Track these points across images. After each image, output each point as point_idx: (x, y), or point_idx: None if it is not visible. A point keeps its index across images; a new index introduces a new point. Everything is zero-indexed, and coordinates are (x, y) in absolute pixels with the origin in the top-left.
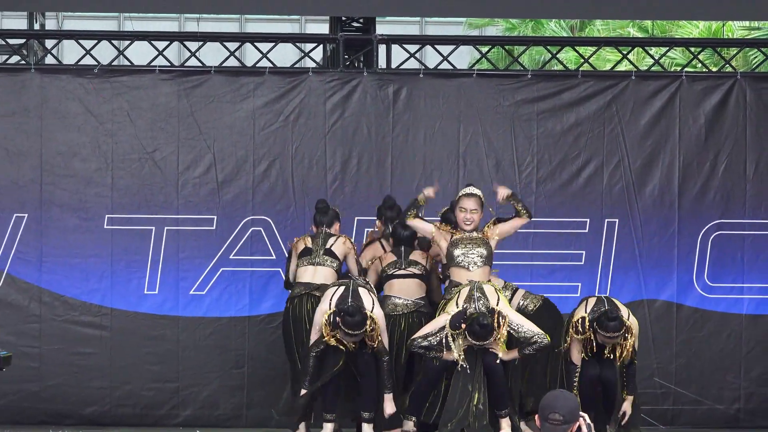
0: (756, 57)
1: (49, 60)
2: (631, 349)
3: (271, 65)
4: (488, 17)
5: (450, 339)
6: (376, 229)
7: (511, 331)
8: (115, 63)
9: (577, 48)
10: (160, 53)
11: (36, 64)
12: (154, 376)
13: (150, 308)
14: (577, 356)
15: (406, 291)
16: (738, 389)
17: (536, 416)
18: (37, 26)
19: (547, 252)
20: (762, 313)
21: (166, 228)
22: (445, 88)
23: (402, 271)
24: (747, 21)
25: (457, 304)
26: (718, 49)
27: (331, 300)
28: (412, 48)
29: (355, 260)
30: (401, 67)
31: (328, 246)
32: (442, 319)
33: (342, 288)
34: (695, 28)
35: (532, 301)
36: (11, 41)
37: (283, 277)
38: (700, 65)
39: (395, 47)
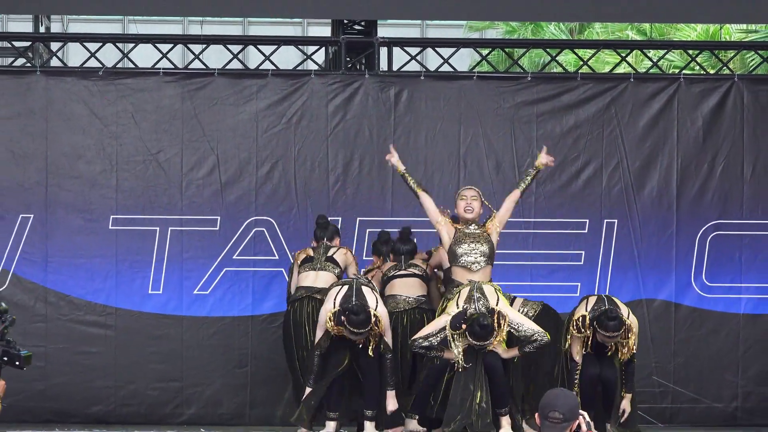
0: (753, 59)
1: (55, 62)
2: (632, 348)
3: (273, 68)
4: (488, 20)
5: (451, 339)
6: (374, 265)
7: (512, 330)
8: (119, 65)
9: (576, 50)
10: (164, 56)
11: (41, 67)
12: (159, 375)
13: (154, 308)
14: (577, 354)
15: (407, 289)
16: (736, 388)
17: (536, 415)
18: (42, 29)
19: (546, 252)
20: (760, 313)
21: (170, 228)
22: (446, 90)
23: (402, 271)
24: (744, 24)
25: (457, 304)
26: (715, 51)
27: (335, 299)
28: (413, 51)
29: (355, 271)
30: (402, 69)
31: (329, 254)
32: (443, 320)
33: (346, 287)
34: (693, 31)
35: (532, 307)
36: (17, 44)
37: (287, 278)
38: (697, 68)
39: (396, 50)
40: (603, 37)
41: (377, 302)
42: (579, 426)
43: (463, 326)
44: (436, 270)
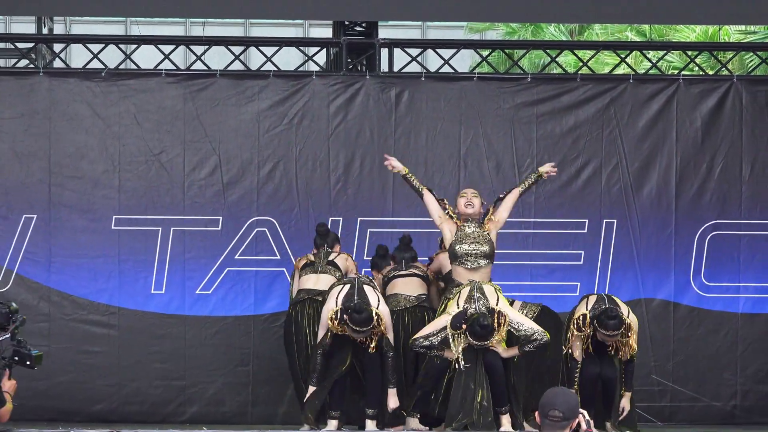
0: (752, 60)
1: (58, 63)
2: (634, 347)
3: (275, 69)
4: (489, 21)
5: (451, 339)
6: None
7: (512, 330)
8: (122, 66)
9: (576, 52)
10: (167, 57)
11: (44, 68)
12: (161, 374)
13: (157, 307)
14: (577, 352)
15: (408, 287)
16: (734, 386)
17: (536, 413)
18: (45, 30)
19: (546, 252)
20: (758, 312)
21: (172, 229)
22: (447, 91)
23: (403, 272)
24: (743, 25)
25: (457, 304)
26: (714, 52)
27: (337, 298)
28: (414, 52)
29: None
30: (403, 70)
31: (330, 259)
32: (443, 320)
33: (348, 286)
34: (692, 32)
35: (531, 309)
36: (20, 45)
37: (288, 279)
38: (696, 69)
39: (397, 51)
40: (602, 39)
41: (379, 301)
42: (579, 424)
43: (464, 326)
44: (436, 275)
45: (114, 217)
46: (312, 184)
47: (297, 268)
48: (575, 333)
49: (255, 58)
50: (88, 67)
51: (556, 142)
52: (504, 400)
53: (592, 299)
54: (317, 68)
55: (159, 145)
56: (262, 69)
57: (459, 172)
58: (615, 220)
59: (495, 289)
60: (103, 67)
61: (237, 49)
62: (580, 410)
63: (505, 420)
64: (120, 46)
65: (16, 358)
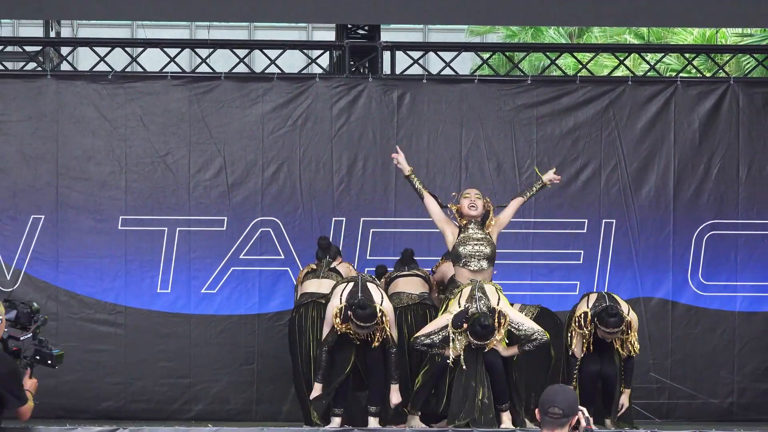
0: (748, 63)
1: (65, 66)
2: (635, 345)
3: (279, 71)
4: (489, 25)
5: (452, 338)
6: None
7: (512, 329)
8: (128, 69)
9: (575, 54)
10: (172, 60)
11: (52, 71)
12: (167, 372)
13: (163, 306)
14: (578, 350)
15: (410, 286)
16: (731, 384)
17: (536, 410)
18: (52, 34)
19: (546, 252)
20: (755, 311)
21: (178, 229)
22: (448, 93)
23: (405, 272)
24: (740, 28)
25: (459, 303)
26: (711, 55)
27: (341, 295)
28: (416, 54)
29: None
30: (405, 73)
31: (332, 266)
32: (445, 318)
33: (351, 284)
34: (690, 35)
35: (530, 311)
36: (28, 48)
37: (292, 278)
38: (694, 71)
39: (399, 54)
40: (601, 41)
41: (382, 297)
42: (578, 421)
43: (465, 325)
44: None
45: (120, 217)
46: (315, 184)
47: (300, 277)
48: (576, 331)
49: (259, 61)
50: (95, 69)
51: (556, 144)
52: (505, 397)
53: (593, 297)
54: (320, 71)
55: (165, 146)
56: (266, 72)
57: (460, 173)
58: (614, 220)
59: (496, 288)
60: (109, 69)
61: (241, 52)
62: (580, 407)
63: (506, 417)
64: (126, 49)
65: (38, 357)
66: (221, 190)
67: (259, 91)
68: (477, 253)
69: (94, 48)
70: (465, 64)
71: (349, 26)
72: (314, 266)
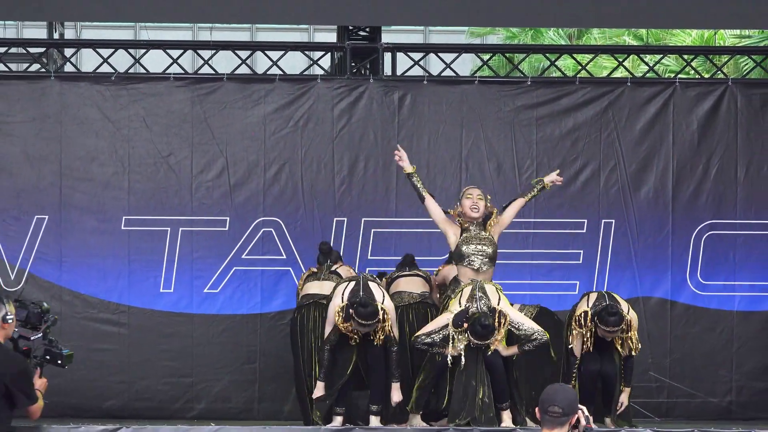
0: (746, 64)
1: (68, 68)
2: (636, 344)
3: (281, 73)
4: (489, 26)
5: (452, 337)
6: None
7: (512, 329)
8: (131, 71)
9: (574, 55)
10: (175, 61)
11: (55, 72)
12: (170, 371)
13: (166, 306)
14: (577, 349)
15: (411, 285)
16: (730, 383)
17: (536, 409)
18: (56, 35)
19: (546, 251)
20: (753, 310)
21: (180, 229)
22: (448, 94)
23: (406, 272)
24: (738, 29)
25: (459, 303)
26: (710, 56)
27: (343, 294)
28: (417, 56)
29: None
30: (406, 74)
31: (333, 269)
32: (445, 318)
33: (353, 283)
34: (688, 36)
35: (528, 311)
36: (32, 50)
37: (294, 279)
38: (692, 72)
39: (400, 55)
40: (601, 43)
41: (384, 296)
42: (578, 420)
43: (465, 325)
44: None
45: (124, 217)
46: (317, 185)
47: (302, 280)
48: (577, 330)
49: (261, 63)
50: (98, 71)
51: (556, 145)
52: (505, 396)
53: (593, 297)
54: (322, 72)
55: (167, 147)
56: (268, 73)
57: (461, 173)
58: (613, 221)
59: (496, 288)
60: (113, 71)
61: (244, 54)
62: (579, 406)
63: (506, 416)
64: (129, 50)
65: (48, 357)
66: (223, 191)
67: (261, 93)
68: (479, 253)
69: (98, 49)
70: (465, 65)
71: (351, 28)
72: (315, 269)
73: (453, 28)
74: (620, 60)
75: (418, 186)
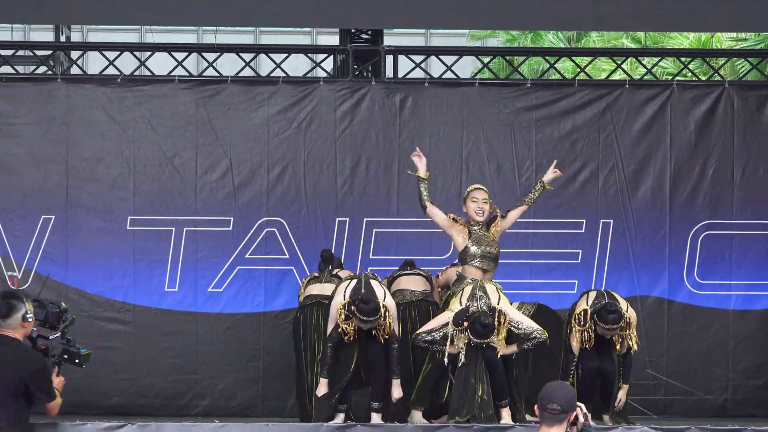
0: (743, 66)
1: (75, 70)
2: (635, 341)
3: (284, 75)
4: (490, 29)
5: (453, 335)
6: None
7: (512, 328)
8: (136, 73)
9: (573, 58)
10: (180, 64)
11: (62, 75)
12: (175, 369)
13: (170, 305)
14: (576, 346)
15: (412, 283)
16: (726, 380)
17: (535, 406)
18: (63, 38)
19: (545, 251)
20: (748, 309)
21: (185, 229)
22: (449, 96)
23: (408, 271)
24: (734, 32)
25: (460, 301)
26: (707, 59)
27: (345, 292)
28: (418, 58)
29: None
30: (407, 76)
31: (334, 272)
32: (446, 316)
33: (355, 281)
34: (685, 39)
35: (527, 309)
36: (39, 53)
37: (297, 278)
38: (690, 74)
39: (402, 58)
40: (599, 45)
41: (385, 294)
42: (576, 417)
43: (465, 323)
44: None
45: (129, 218)
46: (319, 186)
47: (303, 285)
48: (577, 328)
49: (265, 65)
50: (104, 73)
51: (555, 146)
52: (504, 393)
53: (592, 295)
54: (324, 74)
55: (172, 148)
56: (271, 75)
57: (461, 174)
58: (611, 221)
59: (496, 288)
60: (118, 73)
61: (247, 56)
62: (578, 403)
63: (506, 413)
64: (135, 53)
65: (66, 357)
66: (227, 191)
67: (264, 95)
68: (488, 255)
69: (104, 52)
70: (466, 67)
71: (353, 31)
72: (317, 274)
73: (454, 31)
74: (618, 62)
75: (424, 194)
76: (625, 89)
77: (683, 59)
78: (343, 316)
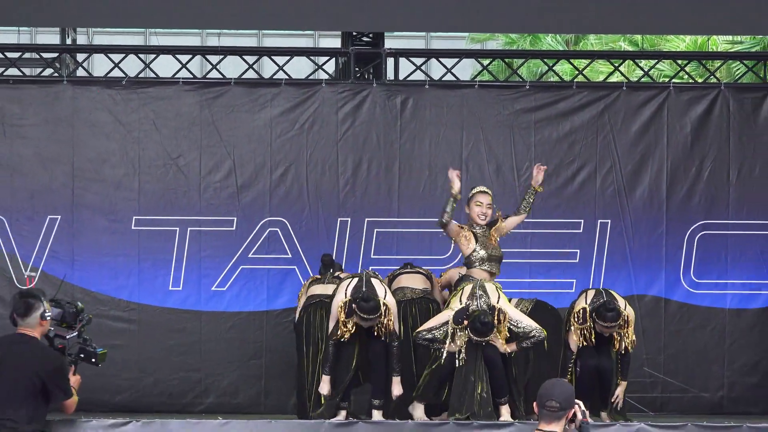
0: (738, 69)
1: (80, 72)
2: (632, 339)
3: (286, 77)
4: (489, 32)
5: (453, 334)
6: None
7: (511, 327)
8: (141, 75)
9: (572, 60)
10: (184, 66)
11: (68, 77)
12: (179, 367)
13: (174, 303)
14: (574, 344)
15: (413, 281)
16: (722, 378)
17: (534, 403)
18: (68, 41)
19: (544, 251)
20: (744, 308)
21: (189, 229)
22: (449, 98)
23: (408, 269)
24: (730, 35)
25: (460, 300)
26: (703, 61)
27: (346, 290)
28: (418, 61)
29: None
30: (408, 78)
31: (335, 274)
32: (446, 315)
33: (356, 279)
34: (682, 42)
35: (525, 305)
36: (45, 55)
37: (299, 277)
38: (686, 77)
39: (402, 60)
40: (597, 48)
41: (386, 292)
42: (575, 414)
43: (465, 322)
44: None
45: (134, 217)
46: (322, 186)
47: (304, 287)
48: (576, 326)
49: (267, 67)
50: (109, 75)
51: (553, 147)
52: (503, 391)
53: (591, 293)
54: (326, 77)
55: (177, 149)
56: (274, 77)
57: (461, 175)
58: (609, 221)
59: (496, 287)
60: (123, 75)
61: (250, 59)
62: (576, 400)
63: (505, 410)
64: (140, 55)
65: (82, 356)
66: (231, 192)
67: (267, 96)
68: (494, 257)
69: (109, 54)
70: (465, 70)
71: (355, 33)
72: (318, 276)
73: (454, 34)
74: (616, 65)
75: (449, 212)
76: (623, 91)
77: (680, 62)
78: (343, 314)
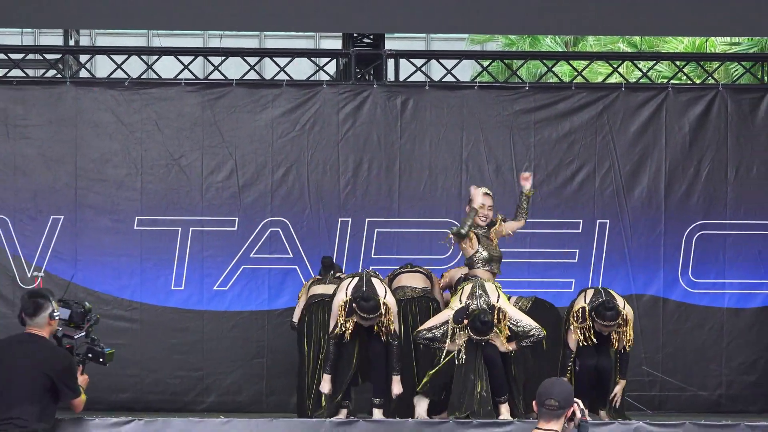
0: (736, 70)
1: (83, 73)
2: (630, 338)
3: (288, 78)
4: (489, 34)
5: (453, 333)
6: None
7: (510, 326)
8: (144, 76)
9: (571, 62)
10: (186, 67)
11: (71, 78)
12: (181, 366)
13: (177, 303)
14: (573, 343)
15: (413, 280)
16: (720, 377)
17: (533, 402)
18: (71, 42)
19: (543, 250)
20: (742, 307)
21: (191, 229)
22: (449, 99)
23: (409, 268)
24: (728, 37)
25: (460, 300)
26: (701, 62)
27: (346, 289)
28: (419, 62)
29: None
30: (408, 79)
31: (336, 275)
32: (446, 314)
33: (356, 279)
34: (680, 44)
35: (524, 303)
36: (48, 56)
37: (300, 277)
38: (684, 78)
39: (403, 61)
40: (596, 50)
41: (386, 292)
42: (574, 413)
43: (465, 321)
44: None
45: (136, 217)
46: (323, 186)
47: (305, 288)
48: (575, 325)
49: (269, 68)
50: (112, 76)
51: (552, 147)
52: (503, 390)
53: (590, 293)
54: (327, 78)
55: (179, 150)
56: (275, 78)
57: (461, 175)
58: (608, 221)
59: (496, 287)
60: (126, 76)
61: (252, 60)
62: (575, 399)
63: (504, 409)
64: (142, 57)
65: (90, 356)
66: (232, 192)
67: (269, 97)
68: (496, 258)
69: (112, 56)
70: (465, 71)
71: (355, 35)
72: (319, 276)
73: (454, 35)
74: (615, 66)
75: (471, 225)
76: (622, 92)
77: (678, 63)
78: (344, 313)
